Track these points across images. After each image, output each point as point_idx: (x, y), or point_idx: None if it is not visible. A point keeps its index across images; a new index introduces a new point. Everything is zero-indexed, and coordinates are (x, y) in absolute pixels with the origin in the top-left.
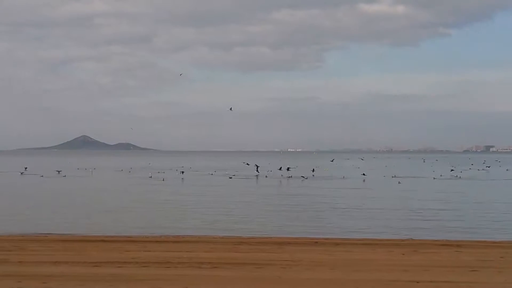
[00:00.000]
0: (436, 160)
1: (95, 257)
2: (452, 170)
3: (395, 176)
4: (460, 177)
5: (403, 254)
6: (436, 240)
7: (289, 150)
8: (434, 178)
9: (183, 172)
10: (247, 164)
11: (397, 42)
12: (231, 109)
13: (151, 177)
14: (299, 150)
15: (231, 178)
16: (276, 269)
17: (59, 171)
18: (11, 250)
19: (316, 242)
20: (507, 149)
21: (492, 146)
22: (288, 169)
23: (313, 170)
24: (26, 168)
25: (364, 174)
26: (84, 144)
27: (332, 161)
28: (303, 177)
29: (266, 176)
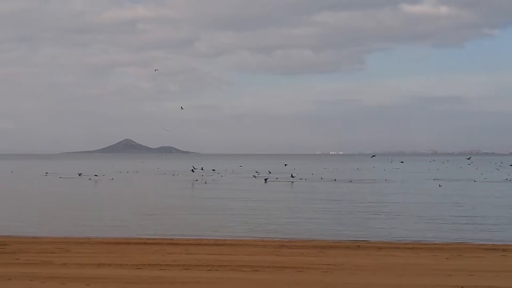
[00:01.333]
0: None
1: (138, 260)
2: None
3: (436, 179)
4: (510, 180)
5: (448, 259)
6: (481, 244)
7: (330, 153)
8: (474, 181)
9: (221, 175)
10: (285, 165)
11: (441, 43)
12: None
13: (196, 180)
14: (341, 153)
15: (266, 180)
16: (318, 273)
17: (95, 175)
18: (55, 252)
19: (358, 246)
20: None
21: None
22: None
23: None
24: (80, 174)
25: (402, 180)
26: (127, 147)
27: (373, 156)
28: (350, 181)
29: (305, 179)
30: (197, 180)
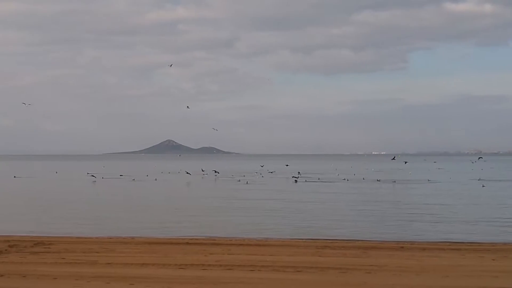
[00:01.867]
0: None
1: (180, 260)
2: None
3: (481, 179)
4: None
5: (494, 260)
6: None
7: (373, 153)
8: None
9: (262, 176)
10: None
11: (484, 42)
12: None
13: (239, 181)
14: (383, 153)
15: (296, 181)
16: (361, 274)
17: (121, 175)
18: (100, 252)
19: (402, 247)
20: None
21: None
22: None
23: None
24: (121, 175)
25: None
26: (169, 148)
27: (393, 159)
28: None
29: (347, 180)
30: (239, 181)
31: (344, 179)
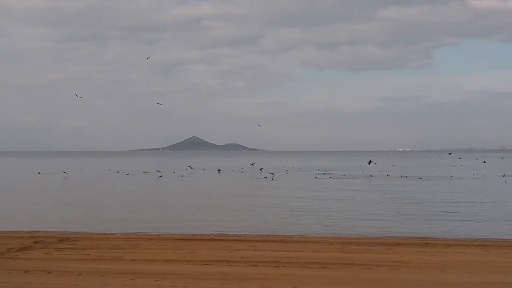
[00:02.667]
0: None
1: (205, 256)
2: None
3: (506, 175)
4: None
5: None
6: None
7: (398, 149)
8: None
9: (287, 172)
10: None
11: (510, 38)
12: None
13: (266, 177)
14: (408, 149)
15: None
16: (386, 270)
17: (143, 171)
18: (125, 248)
19: (427, 243)
20: None
21: None
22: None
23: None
24: (144, 172)
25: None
26: (194, 145)
27: (450, 154)
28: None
29: (372, 176)
30: (266, 177)
31: (371, 175)
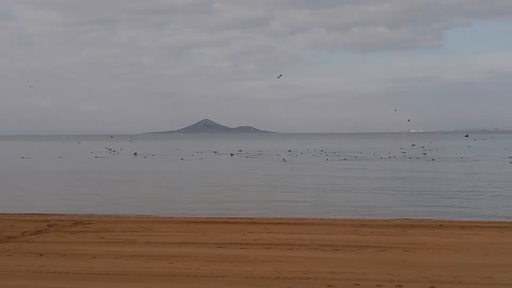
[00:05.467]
0: None
1: (219, 238)
2: None
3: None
4: None
5: None
6: None
7: (410, 131)
8: None
9: (296, 155)
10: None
11: None
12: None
13: (284, 160)
14: (421, 131)
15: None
16: (400, 252)
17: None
18: (139, 232)
19: (441, 225)
20: None
21: None
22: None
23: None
24: (135, 153)
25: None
26: (206, 127)
27: (466, 136)
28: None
29: (390, 157)
30: (284, 160)
31: (381, 157)
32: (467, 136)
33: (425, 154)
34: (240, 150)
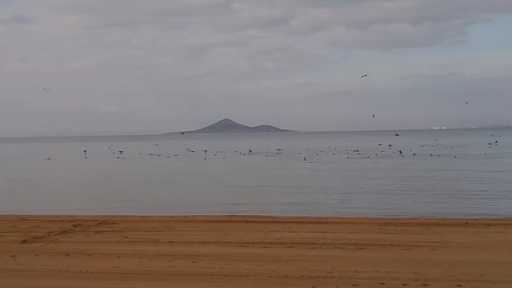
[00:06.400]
0: None
1: (241, 238)
2: None
3: None
4: None
5: None
6: None
7: (433, 128)
8: None
9: (317, 154)
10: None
11: None
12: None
13: (304, 159)
14: (444, 128)
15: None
16: (425, 250)
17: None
18: (162, 231)
19: (466, 223)
20: None
21: None
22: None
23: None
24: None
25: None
26: (225, 127)
27: (492, 135)
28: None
29: (402, 155)
30: (305, 159)
31: (402, 154)
32: (492, 135)
33: (447, 151)
34: (250, 151)
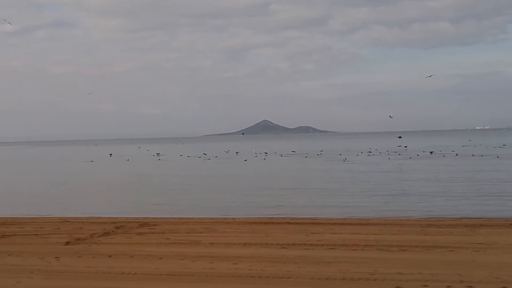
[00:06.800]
0: None
1: (282, 239)
2: None
3: None
4: None
5: None
6: None
7: (476, 128)
8: None
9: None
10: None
11: None
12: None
13: (345, 159)
14: (487, 127)
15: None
16: (469, 252)
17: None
18: (203, 232)
19: None
20: None
21: None
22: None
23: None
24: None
25: None
26: (265, 128)
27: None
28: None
29: (443, 155)
30: (345, 160)
31: (443, 155)
32: None
33: (489, 151)
34: (293, 151)
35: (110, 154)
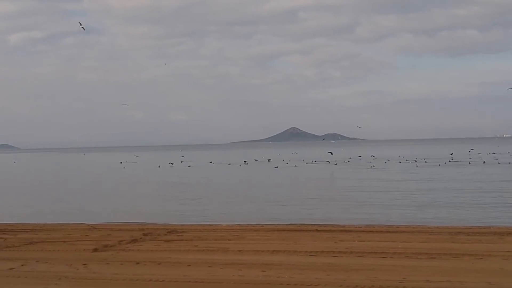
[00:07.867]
0: None
1: (311, 246)
2: None
3: None
4: None
5: None
6: None
7: (504, 136)
8: None
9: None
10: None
11: None
12: None
13: (372, 166)
14: None
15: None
16: (498, 260)
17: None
18: (231, 239)
19: None
20: None
21: None
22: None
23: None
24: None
25: None
26: (293, 136)
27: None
28: None
29: (469, 163)
30: (372, 167)
31: (470, 163)
32: None
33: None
34: (331, 153)
35: (159, 166)
